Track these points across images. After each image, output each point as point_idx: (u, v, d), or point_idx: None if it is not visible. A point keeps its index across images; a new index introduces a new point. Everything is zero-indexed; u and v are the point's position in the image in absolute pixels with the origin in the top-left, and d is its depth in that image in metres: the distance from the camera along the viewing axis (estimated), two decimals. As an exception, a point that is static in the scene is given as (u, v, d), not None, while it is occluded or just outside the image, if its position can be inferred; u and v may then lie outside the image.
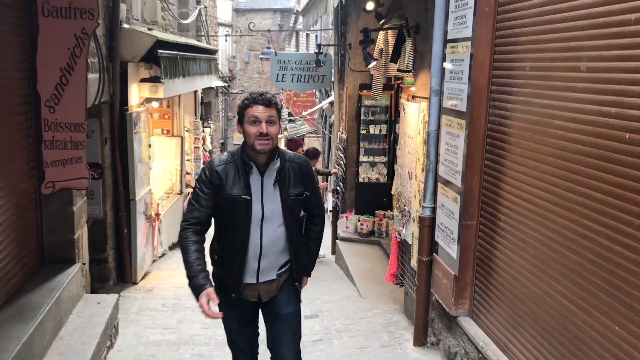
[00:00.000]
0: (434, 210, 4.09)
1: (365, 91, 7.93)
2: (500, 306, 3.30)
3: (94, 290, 5.28)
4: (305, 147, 12.52)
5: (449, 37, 3.77)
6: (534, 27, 2.94)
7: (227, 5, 20.26)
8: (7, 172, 3.74)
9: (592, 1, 2.45)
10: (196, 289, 2.59)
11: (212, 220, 2.82)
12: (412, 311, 4.62)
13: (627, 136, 2.22)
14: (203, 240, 2.76)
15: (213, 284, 2.65)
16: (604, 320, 2.37)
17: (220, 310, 2.71)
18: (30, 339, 3.32)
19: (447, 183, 3.82)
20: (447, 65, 3.81)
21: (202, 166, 10.30)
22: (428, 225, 4.13)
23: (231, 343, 3.00)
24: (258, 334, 3.04)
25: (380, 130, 8.12)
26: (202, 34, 11.00)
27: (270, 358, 2.93)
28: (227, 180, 2.68)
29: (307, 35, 15.99)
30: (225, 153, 2.81)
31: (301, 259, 2.88)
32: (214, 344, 4.47)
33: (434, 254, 4.08)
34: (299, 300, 2.95)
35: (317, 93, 14.66)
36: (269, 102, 2.64)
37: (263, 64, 14.87)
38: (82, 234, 4.68)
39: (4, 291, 3.65)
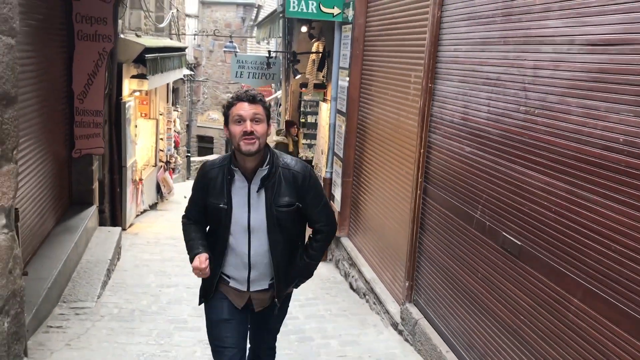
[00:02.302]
0: (332, 174, 6.40)
1: (304, 89, 10.15)
2: (360, 227, 5.65)
3: (99, 229, 7.39)
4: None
5: (340, 65, 6.05)
6: (374, 68, 5.26)
7: (194, -3, 22.03)
8: (53, 142, 5.83)
9: (393, 61, 4.77)
10: (191, 254, 2.57)
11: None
12: (321, 243, 6.95)
13: (400, 130, 4.55)
14: (204, 229, 2.71)
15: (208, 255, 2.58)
16: (391, 222, 4.73)
17: (208, 302, 2.69)
18: (76, 243, 5.47)
19: (337, 156, 6.14)
20: (340, 83, 6.11)
21: (173, 144, 12.38)
22: (328, 183, 6.44)
23: (215, 344, 2.69)
24: (248, 329, 2.80)
25: (315, 120, 10.37)
26: (174, 32, 12.99)
27: (249, 349, 2.88)
28: (213, 185, 2.55)
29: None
30: (221, 156, 2.68)
31: (284, 277, 2.64)
32: (188, 263, 6.66)
33: (331, 201, 6.41)
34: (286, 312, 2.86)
35: (272, 85, 16.77)
36: (253, 98, 2.43)
37: (225, 55, 17.02)
38: (96, 186, 6.79)
39: (55, 217, 5.77)
